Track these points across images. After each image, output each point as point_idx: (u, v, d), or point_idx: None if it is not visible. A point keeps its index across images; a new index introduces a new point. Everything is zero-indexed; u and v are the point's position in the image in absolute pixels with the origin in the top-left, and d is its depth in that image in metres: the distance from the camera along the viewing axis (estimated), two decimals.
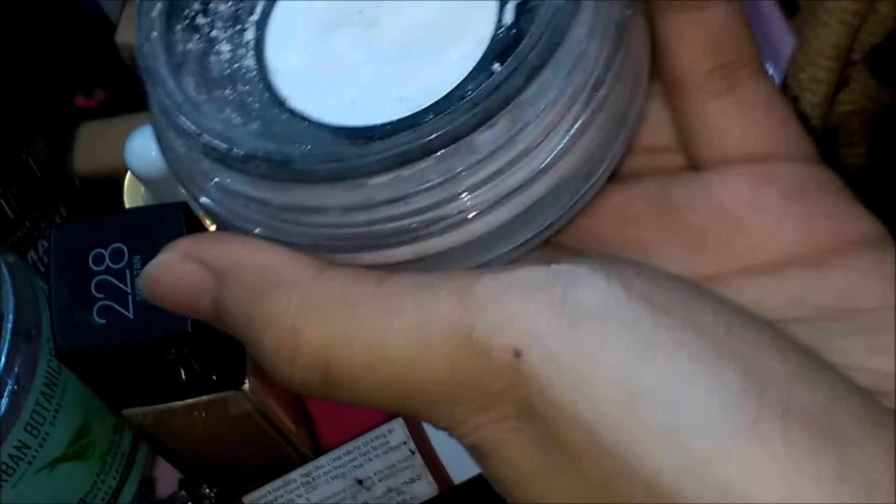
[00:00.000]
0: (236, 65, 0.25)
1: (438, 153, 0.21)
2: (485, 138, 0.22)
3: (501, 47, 0.23)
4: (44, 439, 0.43)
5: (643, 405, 0.20)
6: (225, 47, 0.25)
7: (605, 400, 0.20)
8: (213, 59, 0.25)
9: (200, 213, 0.24)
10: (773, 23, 0.38)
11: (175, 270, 0.23)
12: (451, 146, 0.21)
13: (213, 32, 0.25)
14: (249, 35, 0.25)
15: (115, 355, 0.39)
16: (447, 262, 0.23)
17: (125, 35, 0.55)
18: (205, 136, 0.22)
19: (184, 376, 0.41)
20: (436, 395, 0.21)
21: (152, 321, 0.38)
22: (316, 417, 0.49)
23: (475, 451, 0.22)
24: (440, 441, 0.44)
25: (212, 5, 0.26)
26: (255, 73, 0.25)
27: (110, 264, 0.39)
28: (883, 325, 0.22)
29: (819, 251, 0.24)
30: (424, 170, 0.21)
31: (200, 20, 0.25)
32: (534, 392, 0.20)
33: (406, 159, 0.21)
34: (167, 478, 0.51)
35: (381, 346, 0.21)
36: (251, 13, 0.26)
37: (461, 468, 0.44)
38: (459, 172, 0.22)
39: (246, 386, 0.42)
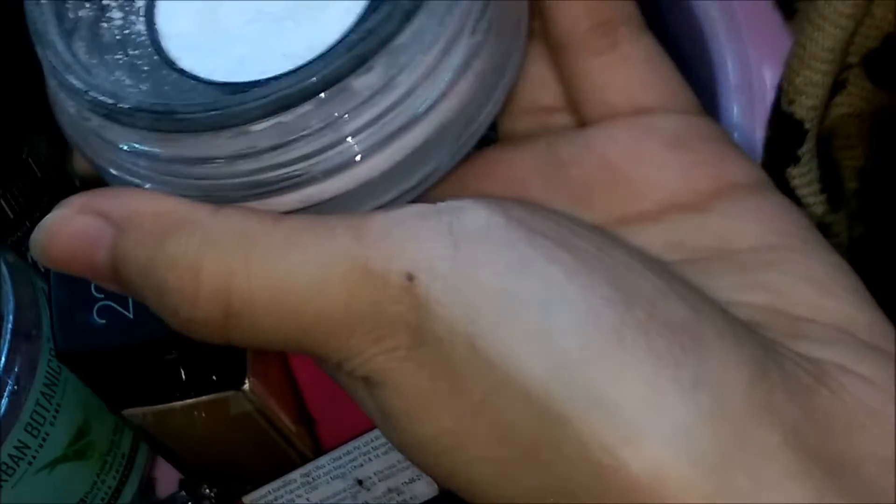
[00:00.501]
0: (127, 30, 0.26)
1: (317, 97, 0.22)
2: (362, 83, 0.22)
3: (381, 1, 0.24)
4: (44, 439, 0.43)
5: (517, 312, 0.21)
6: (116, 14, 0.26)
7: (483, 310, 0.21)
8: (104, 25, 0.26)
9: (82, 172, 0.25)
10: (770, 26, 0.38)
11: (70, 224, 0.23)
12: (329, 90, 0.22)
13: (105, 1, 0.26)
14: (140, 2, 0.26)
15: (115, 355, 0.39)
16: (334, 209, 0.24)
17: None
18: (91, 92, 0.23)
19: (184, 376, 0.41)
20: (333, 326, 0.21)
21: (152, 321, 0.38)
22: (316, 417, 0.49)
23: (366, 384, 0.22)
24: None
25: None
26: (145, 37, 0.25)
27: None
28: (759, 263, 0.23)
29: (699, 197, 0.25)
30: (305, 115, 0.22)
31: None
32: (425, 314, 0.21)
33: (285, 104, 0.22)
34: (167, 478, 0.51)
35: (280, 281, 0.21)
36: None
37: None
38: (340, 117, 0.22)
39: (246, 386, 0.42)
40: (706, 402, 0.20)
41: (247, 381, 0.42)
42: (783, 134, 0.33)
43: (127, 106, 0.23)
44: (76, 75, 0.23)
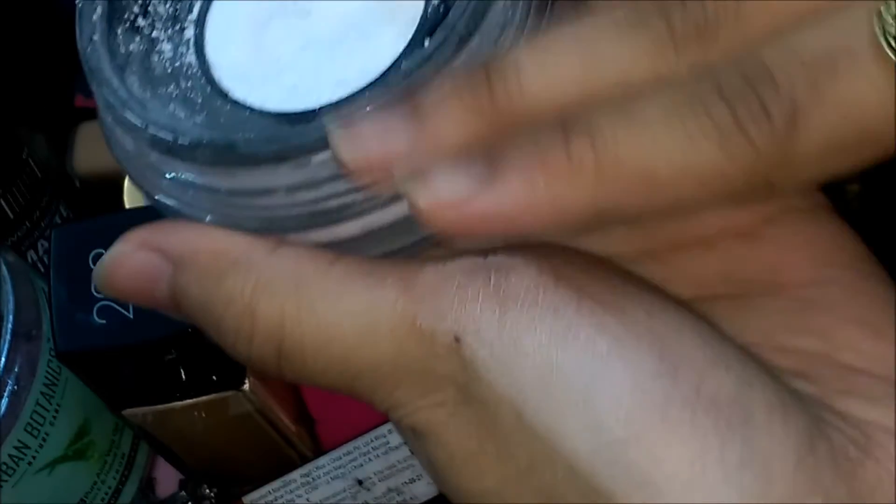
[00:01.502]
0: (178, 63, 0.26)
1: None
2: None
3: (431, 24, 0.24)
4: (44, 439, 0.43)
5: (562, 387, 0.20)
6: (166, 46, 0.26)
7: (528, 383, 0.20)
8: (155, 58, 0.26)
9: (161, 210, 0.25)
10: None
11: (131, 260, 0.24)
12: None
13: (154, 33, 0.26)
14: (189, 33, 0.26)
15: (115, 355, 0.39)
16: (393, 236, 0.24)
17: None
18: (151, 127, 0.23)
19: (184, 376, 0.41)
20: (380, 377, 0.22)
21: (152, 321, 0.38)
22: (316, 417, 0.49)
23: (412, 433, 0.22)
24: None
25: (150, 7, 0.26)
26: (196, 69, 0.25)
27: None
28: (810, 303, 0.23)
29: (752, 219, 0.24)
30: None
31: (141, 22, 0.26)
32: (472, 376, 0.21)
33: None
34: (167, 478, 0.51)
35: (330, 328, 0.22)
36: (189, 12, 0.26)
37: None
38: None
39: (246, 386, 0.42)
40: (751, 485, 0.20)
41: (247, 381, 0.42)
42: None
43: (187, 141, 0.23)
44: (133, 111, 0.23)
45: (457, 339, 0.21)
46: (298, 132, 0.22)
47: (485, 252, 0.22)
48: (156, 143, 0.23)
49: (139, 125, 0.23)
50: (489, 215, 0.20)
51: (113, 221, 0.41)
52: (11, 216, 0.49)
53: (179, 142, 0.23)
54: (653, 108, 0.19)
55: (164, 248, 0.23)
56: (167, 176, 0.23)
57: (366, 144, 0.21)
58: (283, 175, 0.22)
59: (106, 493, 0.47)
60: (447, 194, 0.20)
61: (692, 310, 0.22)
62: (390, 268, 0.22)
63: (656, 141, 0.19)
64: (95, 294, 0.39)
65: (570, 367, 0.20)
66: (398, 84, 0.22)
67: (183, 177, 0.23)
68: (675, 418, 0.20)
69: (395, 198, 0.23)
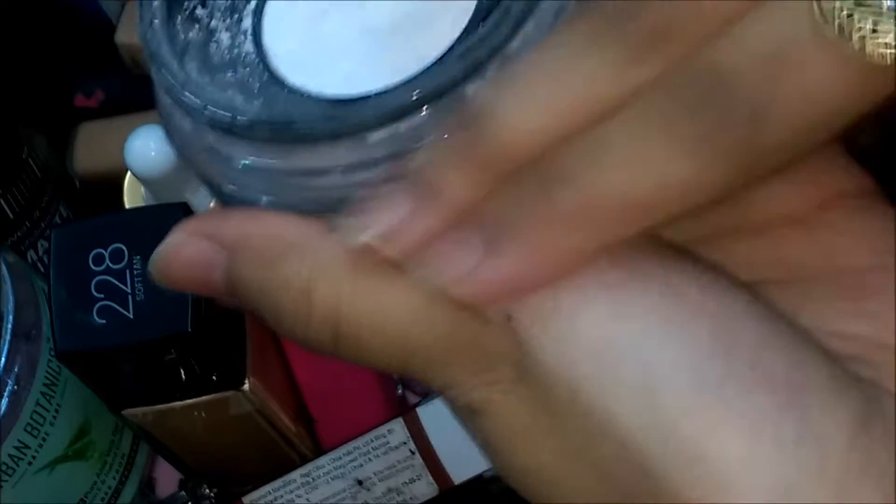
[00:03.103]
0: (236, 50, 0.26)
1: (432, 104, 0.22)
2: (476, 89, 0.22)
3: (488, 9, 0.24)
4: (44, 439, 0.43)
5: (617, 364, 0.20)
6: (224, 35, 0.26)
7: (583, 360, 0.21)
8: (213, 46, 0.26)
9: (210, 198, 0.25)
10: None
11: (185, 249, 0.24)
12: (444, 97, 0.22)
13: (213, 23, 0.26)
14: (247, 24, 0.26)
15: (115, 355, 0.39)
16: None
17: (125, 35, 0.55)
18: (209, 107, 0.23)
19: (184, 376, 0.41)
20: (436, 355, 0.22)
21: (152, 321, 0.38)
22: (316, 417, 0.49)
23: (468, 411, 0.22)
24: (440, 441, 0.44)
25: None
26: (254, 56, 0.26)
27: (110, 264, 0.39)
28: (868, 288, 0.23)
29: (806, 206, 0.24)
30: (421, 123, 0.22)
31: (199, 12, 0.26)
32: (525, 354, 0.21)
33: (401, 112, 0.22)
34: (167, 478, 0.51)
35: (385, 308, 0.22)
36: (248, 3, 0.27)
37: (461, 468, 0.45)
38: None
39: (246, 386, 0.42)
40: (806, 461, 0.20)
41: (247, 381, 0.42)
42: None
43: (245, 119, 0.23)
44: (192, 92, 0.24)
45: (509, 318, 0.21)
46: (355, 110, 0.22)
47: None
48: (214, 123, 0.23)
49: (198, 106, 0.23)
50: (499, 284, 0.21)
51: (113, 221, 0.41)
52: (11, 216, 0.49)
53: (238, 120, 0.23)
54: (622, 134, 0.19)
55: (219, 236, 0.24)
56: (223, 156, 0.24)
57: (377, 229, 0.21)
58: (339, 154, 0.23)
59: (106, 493, 0.47)
60: (453, 274, 0.21)
61: (747, 290, 0.22)
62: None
63: (632, 169, 0.19)
64: (95, 294, 0.39)
65: (625, 346, 0.20)
66: (450, 60, 0.22)
67: (239, 158, 0.23)
68: (728, 396, 0.20)
69: None
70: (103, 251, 0.39)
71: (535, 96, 0.20)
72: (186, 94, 0.24)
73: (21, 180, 0.50)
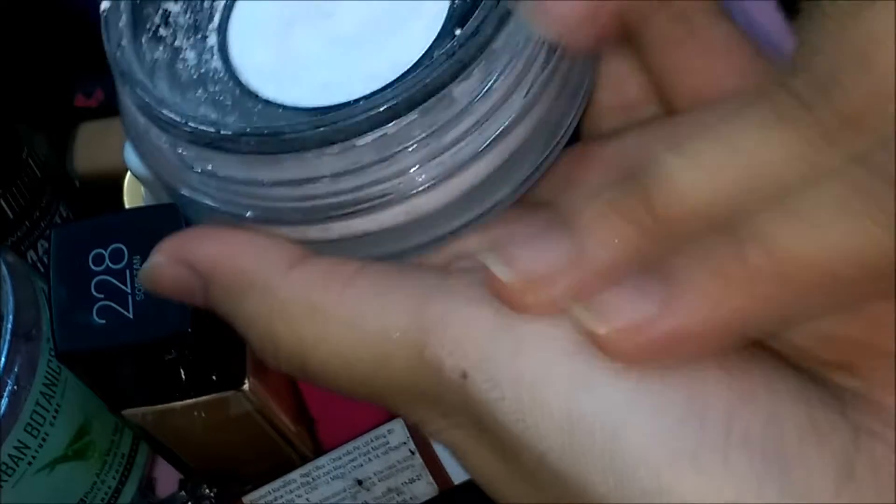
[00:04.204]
0: (203, 69, 0.26)
1: (422, 106, 0.22)
2: (462, 90, 0.22)
3: (460, 14, 0.24)
4: (44, 439, 0.43)
5: (585, 436, 0.20)
6: (190, 54, 0.26)
7: (548, 431, 0.20)
8: (180, 65, 0.26)
9: (196, 212, 0.25)
10: (774, 24, 0.38)
11: (165, 273, 0.25)
12: (433, 98, 0.22)
13: (177, 42, 0.26)
14: (212, 41, 0.26)
15: (115, 355, 0.39)
16: (440, 219, 0.24)
17: None
18: (191, 123, 0.23)
19: (184, 376, 0.41)
20: (402, 399, 0.22)
21: (152, 321, 0.38)
22: (316, 417, 0.49)
23: (445, 447, 0.23)
24: None
25: (171, 18, 0.27)
26: (223, 73, 0.26)
27: (110, 264, 0.39)
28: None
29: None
30: (409, 125, 0.22)
31: (162, 31, 0.26)
32: (483, 413, 0.21)
33: (392, 114, 0.22)
34: (167, 478, 0.51)
35: (346, 355, 0.22)
36: (210, 21, 0.27)
37: (461, 468, 0.44)
38: (441, 126, 0.22)
39: (246, 386, 0.42)
40: None
41: (247, 381, 0.42)
42: None
43: (230, 132, 0.23)
44: (171, 109, 0.23)
45: (464, 376, 0.21)
46: (344, 115, 0.22)
47: (532, 202, 0.22)
48: (196, 137, 0.23)
49: (179, 121, 0.23)
50: (674, 337, 0.20)
51: (113, 221, 0.41)
52: (11, 216, 0.49)
53: (221, 134, 0.23)
54: (817, 202, 0.19)
55: (192, 263, 0.24)
56: (206, 172, 0.23)
57: (525, 267, 0.21)
58: (327, 161, 0.22)
59: (106, 493, 0.47)
60: (626, 320, 0.20)
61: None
62: (404, 289, 0.22)
63: (828, 235, 0.19)
64: (95, 294, 0.39)
65: (593, 415, 0.20)
66: (439, 61, 0.22)
67: (222, 173, 0.23)
68: (707, 464, 0.19)
69: (438, 180, 0.23)
70: (103, 251, 0.39)
71: (719, 165, 0.19)
72: (164, 111, 0.23)
73: (21, 180, 0.50)
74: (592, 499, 0.20)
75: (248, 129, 0.23)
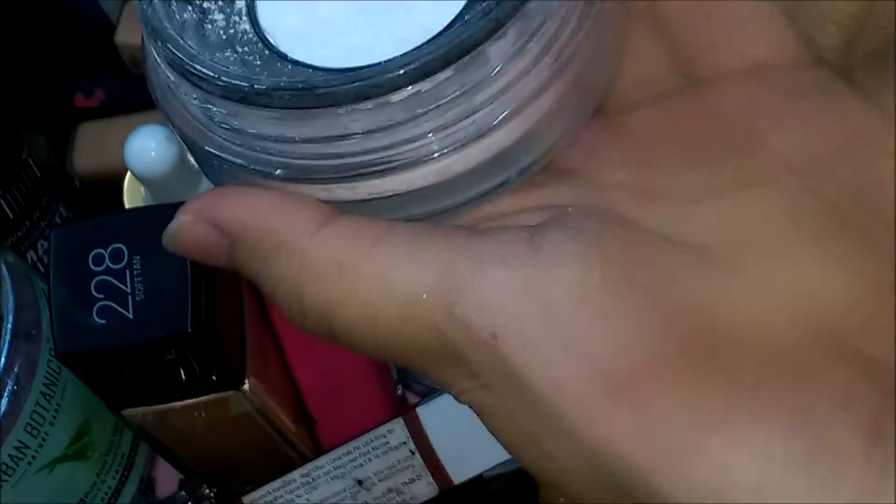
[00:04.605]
0: (232, 30, 0.26)
1: (458, 63, 0.22)
2: (496, 49, 0.22)
3: None
4: (44, 439, 0.43)
5: (616, 398, 0.20)
6: (218, 16, 0.26)
7: (577, 391, 0.20)
8: (208, 27, 0.26)
9: (222, 172, 0.25)
10: None
11: (191, 232, 0.24)
12: (468, 55, 0.22)
13: (205, 4, 0.26)
14: (240, 4, 0.26)
15: (115, 355, 0.39)
16: (470, 181, 0.24)
17: (125, 35, 0.55)
18: (224, 77, 0.23)
19: (184, 376, 0.41)
20: (428, 358, 0.22)
21: (152, 321, 0.38)
22: (316, 417, 0.49)
23: (471, 407, 0.22)
24: (440, 441, 0.44)
25: None
26: (251, 35, 0.26)
27: (110, 264, 0.39)
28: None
29: (825, 151, 0.23)
30: (443, 83, 0.22)
31: None
32: (512, 372, 0.21)
33: (428, 70, 0.22)
34: (167, 478, 0.51)
35: (373, 315, 0.22)
36: None
37: (461, 468, 0.44)
38: (475, 86, 0.22)
39: (246, 386, 0.42)
40: (821, 481, 0.19)
41: (247, 381, 0.42)
42: None
43: (264, 87, 0.22)
44: (203, 64, 0.23)
45: (494, 336, 0.21)
46: (379, 71, 0.22)
47: (529, 233, 0.22)
48: (229, 92, 0.23)
49: (212, 75, 0.23)
50: None
51: (113, 221, 0.41)
52: (11, 216, 0.49)
53: (255, 88, 0.22)
54: None
55: (219, 222, 0.24)
56: (235, 129, 0.23)
57: None
58: (359, 118, 0.22)
59: (106, 493, 0.47)
60: None
61: None
62: (432, 249, 0.22)
63: None
64: (95, 294, 0.39)
65: (623, 378, 0.20)
66: (475, 18, 0.22)
67: (252, 129, 0.23)
68: (736, 423, 0.20)
69: (469, 140, 0.23)
70: (103, 251, 0.39)
71: None
72: (197, 65, 0.23)
73: (21, 180, 0.50)
74: (622, 464, 0.20)
75: (282, 84, 0.22)
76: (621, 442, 0.20)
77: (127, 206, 0.50)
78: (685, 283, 0.21)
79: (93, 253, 0.39)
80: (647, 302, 0.21)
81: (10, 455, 0.42)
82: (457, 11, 0.24)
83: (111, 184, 0.51)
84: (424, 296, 0.21)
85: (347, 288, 0.22)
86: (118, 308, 0.38)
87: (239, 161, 0.24)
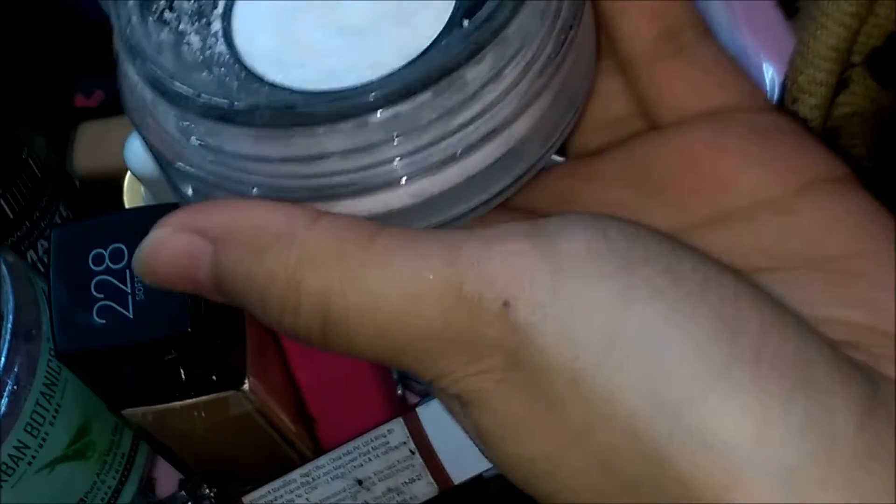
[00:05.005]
0: (208, 52, 0.26)
1: (436, 85, 0.22)
2: (474, 73, 0.23)
3: (468, 6, 0.24)
4: (44, 439, 0.43)
5: (622, 350, 0.20)
6: (194, 38, 0.26)
7: (586, 346, 0.20)
8: (185, 48, 0.26)
9: (189, 191, 0.25)
10: (773, 24, 0.38)
11: (170, 244, 0.24)
12: (447, 79, 0.22)
13: (181, 26, 0.26)
14: (216, 27, 0.26)
15: (115, 355, 0.39)
16: (444, 204, 0.24)
17: None
18: (204, 95, 0.23)
19: (184, 376, 0.41)
20: (426, 346, 0.22)
21: (152, 321, 0.38)
22: (316, 417, 0.49)
23: (458, 402, 0.22)
24: (440, 441, 0.44)
25: (175, 3, 0.27)
26: (228, 56, 0.26)
27: (110, 264, 0.39)
28: (850, 273, 0.23)
29: (785, 192, 0.24)
30: (421, 105, 0.22)
31: (167, 15, 0.26)
32: (521, 340, 0.21)
33: (407, 92, 0.22)
34: (167, 478, 0.51)
35: (375, 299, 0.22)
36: (214, 7, 0.27)
37: (461, 468, 0.44)
38: (452, 109, 0.23)
39: (246, 386, 0.42)
40: (815, 446, 0.19)
41: (247, 381, 0.42)
42: None
43: (244, 105, 0.22)
44: (182, 82, 0.23)
45: (506, 304, 0.21)
46: (358, 91, 0.22)
47: (532, 220, 0.22)
48: (208, 111, 0.23)
49: (192, 94, 0.23)
50: None
51: (113, 221, 0.41)
52: (11, 216, 0.49)
53: (236, 106, 0.22)
54: None
55: (204, 229, 0.23)
56: (213, 148, 0.23)
57: None
58: (337, 138, 0.22)
59: (106, 493, 0.47)
60: None
61: (747, 277, 0.22)
62: (434, 238, 0.22)
63: None
64: (95, 294, 0.39)
65: (630, 329, 0.20)
66: (455, 41, 0.22)
67: (230, 148, 0.23)
68: (737, 378, 0.20)
69: (445, 163, 0.23)
70: (103, 251, 0.39)
71: None
72: (177, 83, 0.23)
73: (21, 180, 0.50)
74: (623, 418, 0.20)
75: (262, 103, 0.22)
76: (624, 392, 0.20)
77: (127, 206, 0.50)
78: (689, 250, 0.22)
79: (93, 253, 0.39)
80: (649, 264, 0.21)
81: (10, 455, 0.42)
82: (433, 37, 0.24)
83: (111, 184, 0.51)
84: (431, 276, 0.21)
85: (349, 273, 0.22)
86: (118, 308, 0.38)
87: (215, 180, 0.24)
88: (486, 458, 0.23)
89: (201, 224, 0.23)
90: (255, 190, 0.23)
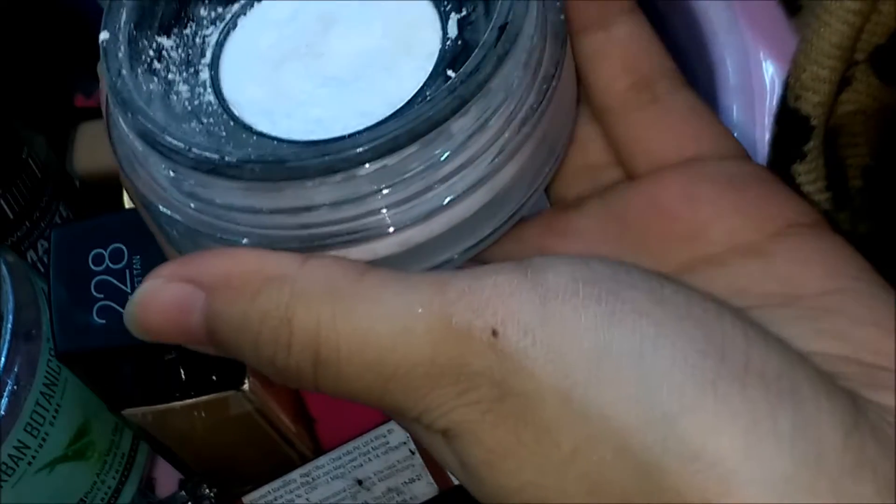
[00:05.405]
0: (196, 101, 0.26)
1: (423, 138, 0.23)
2: (460, 125, 0.23)
3: (451, 56, 0.25)
4: (44, 439, 0.43)
5: (612, 366, 0.21)
6: (183, 87, 0.27)
7: (576, 364, 0.21)
8: (173, 98, 0.26)
9: (189, 241, 0.25)
10: (775, 22, 0.38)
11: (162, 293, 0.24)
12: (434, 131, 0.23)
13: (170, 76, 0.27)
14: (204, 76, 0.27)
15: (115, 355, 0.39)
16: (431, 251, 0.25)
17: None
18: (194, 149, 0.23)
19: (184, 376, 0.41)
20: (415, 378, 0.22)
21: None
22: (316, 417, 0.49)
23: (445, 436, 0.22)
24: None
25: (164, 52, 0.27)
26: (216, 106, 0.26)
27: (110, 264, 0.39)
28: (826, 310, 0.23)
29: (759, 237, 0.25)
30: (409, 157, 0.23)
31: (156, 65, 0.27)
32: (511, 368, 0.21)
33: (395, 146, 0.22)
34: (167, 478, 0.51)
35: (365, 332, 0.22)
36: (202, 56, 0.27)
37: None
38: (438, 160, 0.23)
39: (246, 386, 0.42)
40: (804, 455, 0.20)
41: (247, 381, 0.42)
42: (789, 130, 0.33)
43: (234, 159, 0.23)
44: (173, 136, 0.23)
45: (494, 333, 0.21)
46: (347, 145, 0.23)
47: (518, 259, 0.22)
48: (199, 164, 0.23)
49: (182, 147, 0.23)
50: None
51: (113, 221, 0.41)
52: (11, 216, 0.49)
53: (226, 160, 0.23)
54: None
55: (196, 278, 0.23)
56: (204, 200, 0.24)
57: None
58: (326, 190, 0.23)
59: (106, 493, 0.47)
60: None
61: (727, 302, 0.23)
62: (422, 275, 0.23)
63: None
64: (95, 294, 0.39)
65: (619, 346, 0.21)
66: (441, 95, 0.23)
67: (220, 200, 0.23)
68: (725, 392, 0.20)
69: (432, 213, 0.24)
70: (103, 251, 0.39)
71: None
72: (168, 137, 0.23)
73: (21, 180, 0.50)
74: (615, 431, 0.20)
75: (252, 157, 0.23)
76: (615, 406, 0.20)
77: (127, 206, 0.50)
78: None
79: (93, 253, 0.39)
80: (634, 287, 0.22)
81: (10, 455, 0.42)
82: (418, 86, 0.25)
83: (111, 184, 0.51)
84: (420, 310, 0.22)
85: (340, 308, 0.22)
86: (118, 308, 0.38)
87: (207, 231, 0.24)
88: (473, 495, 0.23)
89: (193, 273, 0.24)
90: (245, 241, 0.24)
